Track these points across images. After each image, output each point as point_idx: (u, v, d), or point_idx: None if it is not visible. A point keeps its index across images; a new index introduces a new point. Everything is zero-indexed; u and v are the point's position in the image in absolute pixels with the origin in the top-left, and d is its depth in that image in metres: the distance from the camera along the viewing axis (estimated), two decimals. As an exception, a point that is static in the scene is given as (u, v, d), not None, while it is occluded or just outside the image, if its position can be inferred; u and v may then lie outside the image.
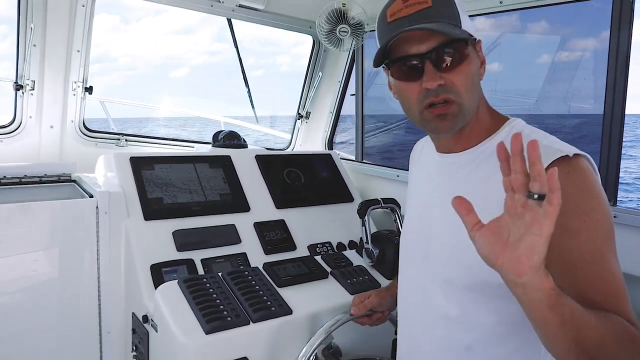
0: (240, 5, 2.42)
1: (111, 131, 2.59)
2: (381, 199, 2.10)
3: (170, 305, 1.55)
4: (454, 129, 1.00)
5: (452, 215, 0.86)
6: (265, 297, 1.64)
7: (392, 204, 2.11)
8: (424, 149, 1.24)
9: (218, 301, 1.58)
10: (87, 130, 2.46)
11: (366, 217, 2.02)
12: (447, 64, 0.96)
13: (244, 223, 2.04)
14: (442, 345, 1.09)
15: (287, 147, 3.08)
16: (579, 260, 0.87)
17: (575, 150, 0.92)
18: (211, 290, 1.62)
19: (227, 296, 1.61)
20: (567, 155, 0.90)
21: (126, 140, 2.55)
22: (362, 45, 2.63)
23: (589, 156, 0.95)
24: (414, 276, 1.17)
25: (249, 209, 2.10)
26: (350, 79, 2.83)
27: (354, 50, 2.69)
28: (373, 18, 2.51)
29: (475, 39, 0.99)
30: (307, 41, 2.78)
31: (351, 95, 2.79)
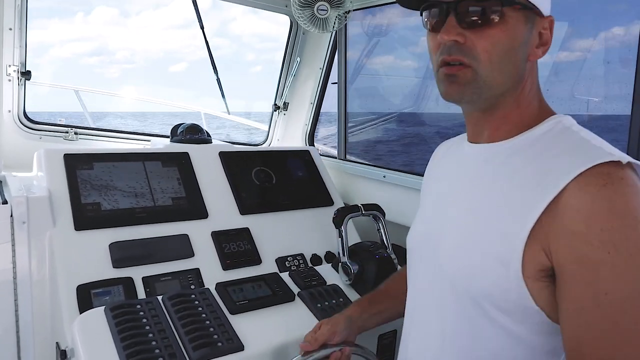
0: (204, -21, 2.09)
1: (58, 123, 2.26)
2: (362, 204, 1.79)
3: (89, 341, 1.24)
4: (463, 98, 0.87)
5: (469, 207, 0.90)
6: (212, 329, 1.33)
7: (374, 211, 1.80)
8: (450, 148, 1.11)
9: (151, 335, 1.27)
10: (29, 121, 2.15)
11: (343, 227, 1.71)
12: (473, 22, 0.82)
13: (199, 232, 1.73)
14: None
15: (264, 143, 2.76)
16: (588, 302, 0.72)
17: (630, 159, 0.75)
18: (145, 320, 1.32)
19: (164, 328, 1.31)
20: (619, 162, 0.74)
21: (75, 134, 2.24)
22: (345, 26, 2.30)
23: None
24: (420, 282, 1.02)
25: (207, 215, 1.79)
26: (333, 65, 2.50)
27: (336, 33, 2.36)
28: (357, -5, 2.19)
29: (531, 4, 0.83)
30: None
31: (333, 83, 2.47)
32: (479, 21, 0.82)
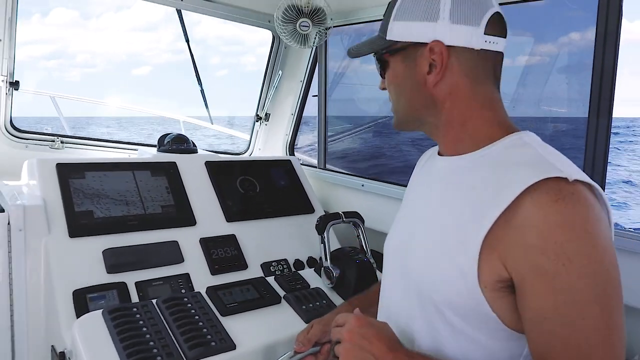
0: (190, -5, 2.18)
1: (44, 132, 2.30)
2: (343, 212, 1.90)
3: (90, 342, 1.31)
4: (399, 128, 1.07)
5: (434, 218, 0.96)
6: (205, 330, 1.42)
7: (354, 218, 1.91)
8: (430, 157, 1.15)
9: (148, 336, 1.35)
10: (16, 130, 2.19)
11: (325, 234, 1.82)
12: (380, 72, 1.05)
13: (188, 239, 1.81)
14: None
15: (245, 152, 2.85)
16: (549, 312, 0.78)
17: (579, 176, 0.80)
18: (141, 322, 1.39)
19: (160, 329, 1.38)
20: (565, 179, 0.79)
21: (62, 142, 2.28)
22: (326, 42, 2.42)
23: (597, 187, 0.83)
24: (392, 289, 1.07)
25: (195, 222, 1.87)
26: (313, 79, 2.62)
27: (316, 48, 2.48)
28: (337, 13, 2.31)
29: (403, 46, 0.97)
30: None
31: (313, 96, 2.58)
32: (380, 71, 1.05)
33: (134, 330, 1.35)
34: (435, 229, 0.95)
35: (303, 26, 2.23)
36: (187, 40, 2.46)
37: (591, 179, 1.62)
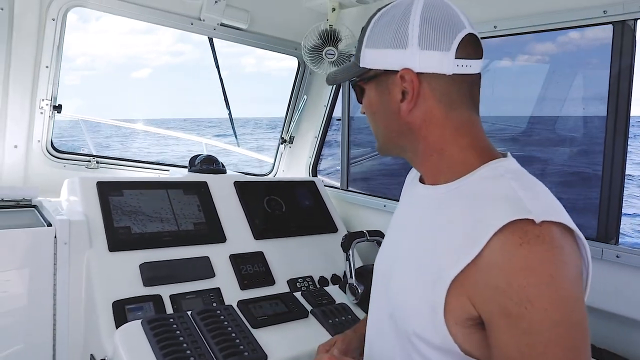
0: (222, 24, 2.31)
1: (81, 152, 2.42)
2: (367, 231, 1.97)
3: (131, 350, 1.39)
4: (382, 153, 1.06)
5: (412, 248, 0.95)
6: (238, 341, 1.48)
7: (378, 237, 1.98)
8: (414, 178, 1.12)
9: (185, 345, 1.42)
10: (55, 150, 2.31)
11: (350, 251, 1.89)
12: (357, 98, 1.05)
13: (219, 255, 1.89)
14: None
15: (270, 173, 2.95)
16: (512, 352, 0.77)
17: (548, 216, 0.78)
18: (178, 332, 1.47)
19: (196, 339, 1.46)
20: (533, 220, 0.77)
21: (97, 162, 2.40)
22: (349, 68, 2.53)
23: (572, 226, 0.80)
24: (376, 316, 1.07)
25: (225, 239, 1.96)
26: (337, 103, 2.72)
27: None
28: (361, 41, 2.41)
29: (375, 74, 0.95)
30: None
31: (337, 120, 2.68)
32: (358, 97, 1.04)
33: (172, 340, 1.42)
34: (411, 260, 0.94)
35: (329, 54, 2.34)
36: (218, 68, 2.58)
37: (610, 177, 1.57)
